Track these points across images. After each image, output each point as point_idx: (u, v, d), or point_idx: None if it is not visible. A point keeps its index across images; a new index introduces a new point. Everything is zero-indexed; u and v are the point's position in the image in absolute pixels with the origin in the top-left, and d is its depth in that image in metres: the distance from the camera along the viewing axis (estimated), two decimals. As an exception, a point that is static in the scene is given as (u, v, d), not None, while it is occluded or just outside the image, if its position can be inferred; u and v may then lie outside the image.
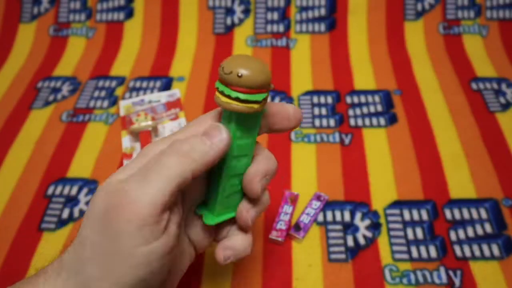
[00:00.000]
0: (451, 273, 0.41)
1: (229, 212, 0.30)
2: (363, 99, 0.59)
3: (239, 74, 0.24)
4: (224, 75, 0.25)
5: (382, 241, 0.44)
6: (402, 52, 0.66)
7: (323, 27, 0.70)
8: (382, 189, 0.48)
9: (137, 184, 0.24)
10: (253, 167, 0.29)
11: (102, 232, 0.23)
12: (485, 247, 0.43)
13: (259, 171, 0.29)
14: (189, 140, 0.26)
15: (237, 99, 0.25)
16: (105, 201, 0.24)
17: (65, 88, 0.64)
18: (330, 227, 0.45)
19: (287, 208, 0.46)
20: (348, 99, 0.59)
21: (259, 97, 0.25)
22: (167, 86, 0.63)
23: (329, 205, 0.47)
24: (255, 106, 0.26)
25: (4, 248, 0.45)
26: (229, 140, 0.26)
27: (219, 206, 0.29)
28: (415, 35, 0.68)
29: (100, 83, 0.65)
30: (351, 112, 0.57)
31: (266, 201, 0.31)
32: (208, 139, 0.26)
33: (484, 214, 0.46)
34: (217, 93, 0.26)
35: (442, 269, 0.41)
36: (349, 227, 0.45)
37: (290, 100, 0.60)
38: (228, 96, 0.25)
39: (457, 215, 0.46)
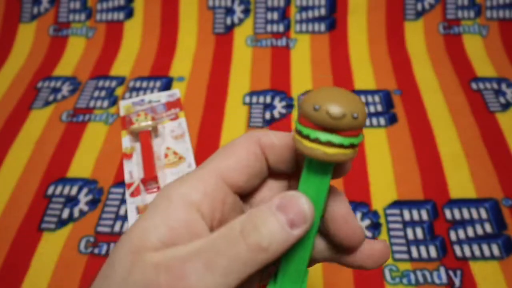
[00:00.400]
0: (451, 273, 0.41)
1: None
2: (363, 99, 0.59)
3: (355, 115, 0.18)
4: (329, 119, 0.18)
5: (382, 241, 0.44)
6: (402, 52, 0.66)
7: (323, 27, 0.70)
8: (382, 189, 0.48)
9: (199, 272, 0.18)
10: (338, 206, 0.23)
11: None
12: (485, 247, 0.43)
13: (348, 208, 0.23)
14: (263, 219, 0.19)
15: (340, 145, 0.19)
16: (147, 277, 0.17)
17: (65, 88, 0.64)
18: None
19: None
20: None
21: (362, 137, 0.20)
22: (167, 86, 0.63)
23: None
24: (356, 148, 0.20)
25: (4, 248, 0.45)
26: (313, 219, 0.20)
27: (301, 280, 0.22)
28: (415, 35, 0.68)
29: (100, 83, 0.65)
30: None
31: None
32: (288, 223, 0.19)
33: (484, 214, 0.46)
34: (307, 143, 0.19)
35: (442, 269, 0.41)
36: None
37: (290, 100, 0.60)
38: (328, 144, 0.19)
39: (457, 215, 0.46)
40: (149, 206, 0.20)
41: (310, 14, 0.70)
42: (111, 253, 0.19)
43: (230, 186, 0.21)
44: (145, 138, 0.53)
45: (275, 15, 0.71)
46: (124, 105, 0.60)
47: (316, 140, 0.19)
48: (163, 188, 0.20)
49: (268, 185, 0.23)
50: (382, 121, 0.56)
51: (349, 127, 0.19)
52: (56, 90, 0.64)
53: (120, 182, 0.50)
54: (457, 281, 0.41)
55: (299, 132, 0.19)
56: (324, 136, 0.19)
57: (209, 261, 0.18)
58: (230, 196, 0.21)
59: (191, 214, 0.19)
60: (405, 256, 0.43)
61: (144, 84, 0.64)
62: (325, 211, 0.22)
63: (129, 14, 0.73)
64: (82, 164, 0.53)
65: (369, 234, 0.44)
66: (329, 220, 0.22)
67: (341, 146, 0.19)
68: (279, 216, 0.19)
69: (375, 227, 0.45)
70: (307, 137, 0.19)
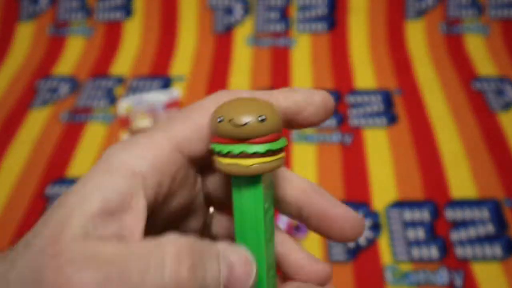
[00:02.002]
0: (452, 273, 0.41)
1: None
2: (363, 98, 0.59)
3: (261, 118, 0.17)
4: (234, 129, 0.17)
5: (383, 242, 0.44)
6: (402, 52, 0.66)
7: (323, 26, 0.69)
8: (383, 189, 0.48)
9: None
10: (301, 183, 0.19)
11: None
12: (486, 248, 0.43)
13: (305, 183, 0.19)
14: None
15: (257, 154, 0.18)
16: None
17: (64, 88, 0.64)
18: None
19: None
20: (348, 99, 0.59)
21: (283, 141, 0.19)
22: (166, 86, 0.63)
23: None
24: (283, 154, 0.19)
25: (3, 248, 0.45)
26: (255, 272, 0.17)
27: None
28: (416, 34, 0.68)
29: (99, 83, 0.64)
30: (351, 112, 0.57)
31: None
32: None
33: (485, 215, 0.45)
34: (222, 160, 0.18)
35: (443, 270, 0.41)
36: (349, 228, 0.45)
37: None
38: (244, 155, 0.18)
39: (458, 216, 0.45)
40: (88, 172, 0.17)
41: (310, 13, 0.70)
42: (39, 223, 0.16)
43: (186, 157, 0.18)
44: (144, 138, 0.53)
45: (275, 15, 0.71)
46: (123, 105, 0.59)
47: (230, 154, 0.17)
48: (105, 152, 0.17)
49: None
50: (382, 121, 0.56)
51: (258, 132, 0.17)
52: (55, 90, 0.64)
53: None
54: (458, 282, 0.40)
55: (213, 151, 0.18)
56: (236, 148, 0.17)
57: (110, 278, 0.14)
58: (183, 169, 0.18)
59: (131, 187, 0.16)
60: (406, 256, 0.42)
61: (144, 83, 0.63)
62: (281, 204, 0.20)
63: (129, 13, 0.72)
64: (81, 164, 0.53)
65: (369, 234, 0.44)
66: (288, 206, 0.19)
67: (258, 155, 0.17)
68: None
69: (375, 227, 0.45)
70: (220, 154, 0.17)
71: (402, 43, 0.67)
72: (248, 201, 0.18)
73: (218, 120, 0.17)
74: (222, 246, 0.16)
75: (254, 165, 0.17)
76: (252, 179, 0.18)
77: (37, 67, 0.68)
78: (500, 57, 0.64)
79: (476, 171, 0.49)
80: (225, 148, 0.17)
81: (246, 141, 0.17)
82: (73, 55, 0.70)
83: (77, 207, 0.15)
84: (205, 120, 0.18)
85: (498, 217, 0.45)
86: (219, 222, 0.21)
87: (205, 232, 0.21)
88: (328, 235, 0.19)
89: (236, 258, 0.16)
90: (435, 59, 0.64)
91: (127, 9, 0.72)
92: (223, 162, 0.17)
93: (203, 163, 0.19)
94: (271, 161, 0.18)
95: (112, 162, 0.16)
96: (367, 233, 0.44)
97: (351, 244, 0.43)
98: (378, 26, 0.69)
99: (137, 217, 0.16)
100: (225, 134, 0.17)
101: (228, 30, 0.70)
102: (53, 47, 0.71)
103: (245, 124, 0.17)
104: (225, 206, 0.20)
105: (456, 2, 0.69)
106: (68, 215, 0.15)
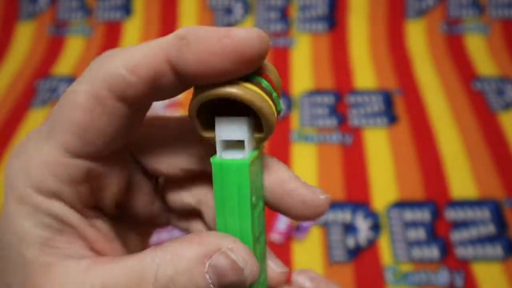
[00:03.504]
0: (452, 274, 0.41)
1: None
2: (363, 98, 0.59)
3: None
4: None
5: (383, 242, 0.43)
6: (403, 51, 0.66)
7: (323, 26, 0.69)
8: (383, 190, 0.48)
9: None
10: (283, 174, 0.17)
11: None
12: (487, 248, 0.43)
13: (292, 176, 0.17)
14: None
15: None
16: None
17: (64, 88, 0.64)
18: (331, 227, 0.45)
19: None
20: (349, 99, 0.59)
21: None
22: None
23: (329, 205, 0.47)
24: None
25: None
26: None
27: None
28: (416, 34, 0.68)
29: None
30: (351, 112, 0.57)
31: None
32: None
33: (486, 215, 0.45)
34: (249, 85, 0.14)
35: (443, 270, 0.41)
36: (349, 228, 0.45)
37: (290, 100, 0.59)
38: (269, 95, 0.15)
39: (459, 216, 0.45)
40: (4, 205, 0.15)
41: (310, 13, 0.70)
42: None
43: (88, 159, 0.15)
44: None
45: (275, 14, 0.70)
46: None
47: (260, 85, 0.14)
48: (8, 180, 0.15)
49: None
50: (382, 121, 0.56)
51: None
52: (54, 90, 0.64)
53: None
54: (458, 282, 0.40)
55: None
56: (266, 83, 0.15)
57: None
58: (95, 167, 0.15)
59: (54, 209, 0.15)
60: (406, 257, 0.42)
61: (143, 83, 0.63)
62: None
63: (128, 13, 0.72)
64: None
65: (370, 235, 0.44)
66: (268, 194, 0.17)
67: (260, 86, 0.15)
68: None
69: (376, 227, 0.45)
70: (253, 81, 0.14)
71: (402, 43, 0.67)
72: (232, 189, 0.15)
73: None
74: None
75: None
76: (240, 163, 0.15)
77: (36, 67, 0.68)
78: (501, 57, 0.64)
79: (477, 171, 0.49)
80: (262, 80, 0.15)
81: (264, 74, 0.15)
82: (72, 55, 0.69)
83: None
84: (87, 117, 0.14)
85: (498, 217, 0.45)
86: (172, 195, 0.18)
87: (158, 204, 0.19)
88: (286, 212, 0.17)
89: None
90: (436, 59, 0.64)
91: (127, 9, 0.72)
92: (250, 87, 0.14)
93: (116, 148, 0.16)
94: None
95: (22, 194, 0.15)
96: (367, 234, 0.44)
97: (352, 245, 0.43)
98: (378, 26, 0.69)
99: (79, 228, 0.15)
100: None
101: (228, 30, 0.70)
102: (53, 47, 0.71)
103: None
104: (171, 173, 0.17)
105: (457, 1, 0.69)
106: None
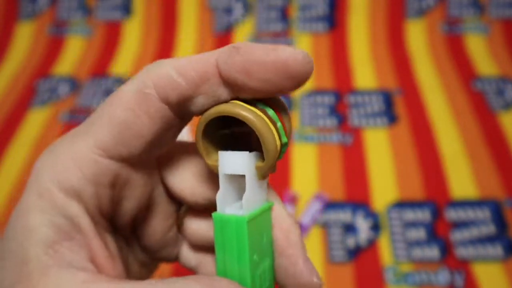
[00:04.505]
0: (453, 274, 0.41)
1: None
2: (363, 98, 0.59)
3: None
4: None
5: (383, 242, 0.43)
6: (403, 51, 0.66)
7: (323, 26, 0.69)
8: (383, 190, 0.48)
9: None
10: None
11: None
12: (487, 248, 0.43)
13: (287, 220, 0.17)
14: None
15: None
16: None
17: (64, 88, 0.64)
18: (331, 227, 0.45)
19: (287, 209, 0.45)
20: (349, 99, 0.59)
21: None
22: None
23: (329, 205, 0.47)
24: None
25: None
26: None
27: None
28: (417, 34, 0.68)
29: (99, 83, 0.64)
30: (351, 112, 0.57)
31: None
32: None
33: (486, 215, 0.45)
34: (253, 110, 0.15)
35: (444, 270, 0.41)
36: (349, 228, 0.45)
37: (290, 100, 0.59)
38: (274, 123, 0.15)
39: (459, 216, 0.45)
40: (22, 197, 0.15)
41: (311, 13, 0.70)
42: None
43: (119, 160, 0.15)
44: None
45: (276, 14, 0.70)
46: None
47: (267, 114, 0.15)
48: (34, 172, 0.15)
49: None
50: (383, 121, 0.56)
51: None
52: (54, 90, 0.64)
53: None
54: (459, 282, 0.40)
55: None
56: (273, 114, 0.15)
57: None
58: (122, 173, 0.15)
59: (71, 209, 0.14)
60: (406, 257, 0.42)
61: (143, 83, 0.63)
62: None
63: (129, 13, 0.72)
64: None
65: (370, 234, 0.44)
66: None
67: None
68: None
69: (376, 227, 0.45)
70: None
71: (402, 43, 0.67)
72: (232, 243, 0.15)
73: None
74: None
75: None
76: (238, 219, 0.15)
77: (36, 66, 0.68)
78: (501, 57, 0.64)
79: (477, 171, 0.49)
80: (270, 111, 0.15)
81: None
82: (72, 55, 0.69)
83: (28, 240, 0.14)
84: (128, 114, 0.14)
85: (499, 218, 0.45)
86: (191, 224, 0.18)
87: (173, 234, 0.19)
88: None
89: None
90: (436, 59, 0.64)
91: (127, 9, 0.72)
92: (252, 110, 0.14)
93: (148, 158, 0.16)
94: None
95: (44, 183, 0.14)
96: (367, 234, 0.44)
97: (352, 245, 0.43)
98: (378, 26, 0.68)
99: (88, 238, 0.15)
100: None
101: (228, 30, 0.70)
102: (53, 47, 0.71)
103: None
104: (197, 205, 0.17)
105: (457, 1, 0.69)
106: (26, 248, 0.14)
